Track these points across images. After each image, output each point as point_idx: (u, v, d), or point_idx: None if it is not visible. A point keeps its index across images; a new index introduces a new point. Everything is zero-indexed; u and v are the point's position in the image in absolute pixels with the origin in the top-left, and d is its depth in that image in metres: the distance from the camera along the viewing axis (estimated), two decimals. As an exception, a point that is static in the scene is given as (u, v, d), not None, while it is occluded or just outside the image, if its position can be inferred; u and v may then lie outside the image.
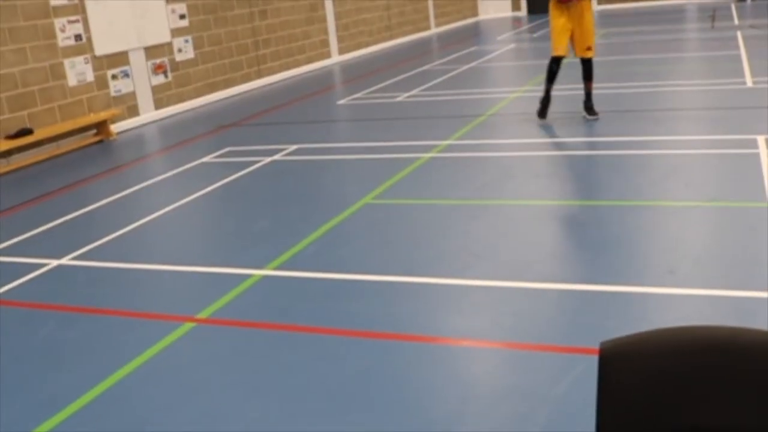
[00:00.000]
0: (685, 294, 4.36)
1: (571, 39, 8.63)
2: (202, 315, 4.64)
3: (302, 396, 3.66)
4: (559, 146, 7.90)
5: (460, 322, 4.32)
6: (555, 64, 8.73)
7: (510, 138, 8.61)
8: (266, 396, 3.70)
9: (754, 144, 7.08)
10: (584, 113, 8.89)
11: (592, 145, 7.93)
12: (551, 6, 8.61)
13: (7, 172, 9.35)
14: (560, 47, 8.64)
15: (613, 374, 1.57)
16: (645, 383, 1.55)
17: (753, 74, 10.84)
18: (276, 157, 8.63)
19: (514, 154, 7.89)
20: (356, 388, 3.69)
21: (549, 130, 8.65)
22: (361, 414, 3.46)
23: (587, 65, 8.74)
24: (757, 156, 6.72)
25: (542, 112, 8.95)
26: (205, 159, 8.92)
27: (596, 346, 1.64)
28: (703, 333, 1.59)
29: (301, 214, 6.47)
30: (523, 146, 8.17)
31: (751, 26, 16.48)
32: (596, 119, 8.74)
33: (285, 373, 3.88)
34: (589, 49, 8.58)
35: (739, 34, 15.43)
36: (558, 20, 8.54)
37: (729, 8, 21.24)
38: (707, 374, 1.54)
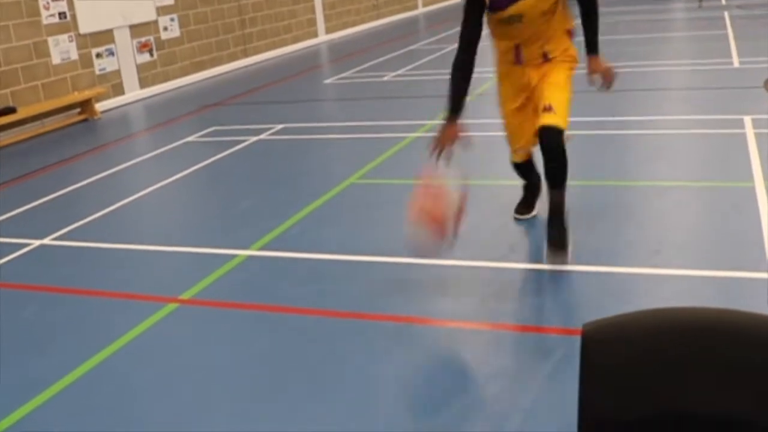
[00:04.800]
0: (670, 274, 4.35)
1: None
2: (186, 295, 4.61)
3: (287, 376, 3.64)
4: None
5: (446, 303, 4.30)
6: (519, 168, 5.21)
7: (496, 117, 8.56)
8: (251, 376, 3.67)
9: (740, 124, 7.07)
10: (547, 249, 4.60)
11: (577, 125, 7.89)
12: (496, 72, 4.82)
13: (-10, 151, 9.27)
14: (519, 147, 4.99)
15: (596, 356, 1.55)
16: (627, 365, 1.54)
17: (740, 54, 10.83)
18: (262, 136, 8.58)
19: (500, 134, 7.84)
20: (341, 369, 3.67)
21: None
22: (346, 394, 3.44)
23: (551, 148, 4.36)
24: (743, 136, 6.71)
25: (524, 204, 5.39)
26: (190, 138, 8.86)
27: (581, 327, 1.62)
28: (687, 314, 1.57)
29: (287, 194, 6.43)
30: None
31: (739, 6, 16.46)
32: (562, 261, 4.53)
33: (269, 354, 3.86)
34: (548, 109, 4.35)
35: (726, 14, 15.41)
36: (506, 100, 4.81)
37: (717, -12, 21.21)
38: (691, 356, 1.53)
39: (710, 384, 1.51)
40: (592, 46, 4.57)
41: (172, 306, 4.50)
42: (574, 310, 4.02)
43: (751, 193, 5.37)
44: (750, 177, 5.67)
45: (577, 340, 1.61)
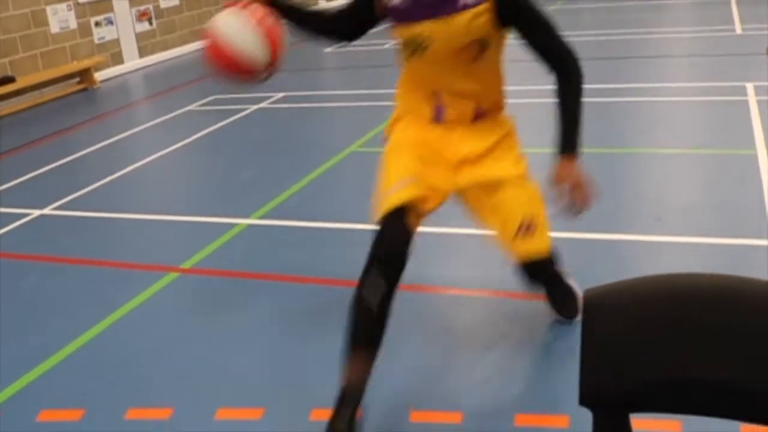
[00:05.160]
0: (672, 242, 4.35)
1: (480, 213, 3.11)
2: (187, 264, 4.60)
3: (288, 344, 3.64)
4: (546, 94, 7.82)
5: (448, 271, 4.30)
6: (371, 280, 3.07)
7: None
8: (251, 344, 3.68)
9: (743, 91, 7.03)
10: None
11: (580, 93, 7.86)
12: (391, 129, 3.30)
13: (-10, 121, 9.24)
14: (393, 194, 2.94)
15: (597, 322, 1.54)
16: (628, 332, 1.53)
17: (742, 21, 10.75)
18: (262, 105, 8.54)
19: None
20: (341, 337, 3.66)
21: (536, 78, 8.55)
22: (346, 363, 3.44)
23: (540, 277, 3.24)
24: (746, 103, 6.67)
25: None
26: (191, 107, 8.82)
27: (582, 294, 1.62)
28: (689, 280, 1.56)
29: (287, 163, 6.41)
30: (511, 94, 8.08)
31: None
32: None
33: (270, 322, 3.86)
34: (527, 228, 2.99)
35: (730, -20, 15.29)
36: (402, 133, 3.18)
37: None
38: (693, 323, 1.52)
39: (711, 351, 1.50)
40: (565, 140, 3.00)
41: (172, 275, 4.49)
42: (577, 277, 4.01)
43: (753, 160, 5.34)
44: (752, 144, 5.64)
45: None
